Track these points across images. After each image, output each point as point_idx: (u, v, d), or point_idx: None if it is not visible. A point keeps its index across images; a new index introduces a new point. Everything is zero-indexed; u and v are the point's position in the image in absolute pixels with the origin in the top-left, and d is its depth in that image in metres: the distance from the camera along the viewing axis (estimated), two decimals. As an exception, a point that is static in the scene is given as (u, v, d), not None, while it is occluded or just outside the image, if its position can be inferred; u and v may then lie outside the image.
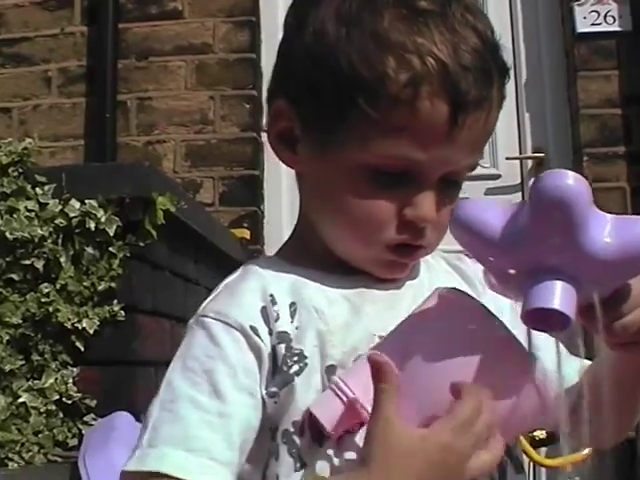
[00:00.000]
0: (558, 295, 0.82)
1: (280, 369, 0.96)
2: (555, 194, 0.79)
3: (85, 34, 4.12)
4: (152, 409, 0.96)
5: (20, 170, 2.55)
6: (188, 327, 1.02)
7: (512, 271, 0.87)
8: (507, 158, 3.98)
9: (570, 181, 0.79)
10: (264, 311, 0.99)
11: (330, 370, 0.96)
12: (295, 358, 0.96)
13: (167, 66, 4.07)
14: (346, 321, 0.99)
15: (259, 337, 0.97)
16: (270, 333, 0.98)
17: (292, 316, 0.99)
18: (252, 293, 1.01)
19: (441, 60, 0.92)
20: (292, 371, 0.96)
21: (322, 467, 0.94)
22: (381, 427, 0.87)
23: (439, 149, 0.95)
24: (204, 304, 1.04)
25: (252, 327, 0.97)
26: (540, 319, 0.84)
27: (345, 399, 0.90)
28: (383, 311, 1.01)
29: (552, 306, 0.82)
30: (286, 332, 0.98)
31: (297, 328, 0.98)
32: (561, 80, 4.03)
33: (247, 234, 3.81)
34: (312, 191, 1.05)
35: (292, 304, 1.00)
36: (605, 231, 0.81)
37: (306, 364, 0.96)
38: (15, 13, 4.16)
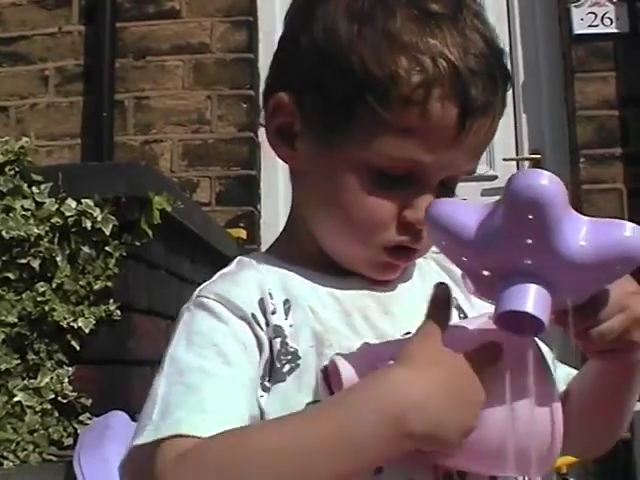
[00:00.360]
0: (531, 298, 0.80)
1: (274, 365, 0.95)
2: (528, 194, 0.77)
3: (83, 33, 4.12)
4: (157, 387, 0.92)
5: (16, 169, 2.55)
6: (183, 310, 0.99)
7: (486, 273, 0.84)
8: (504, 159, 3.98)
9: (544, 181, 0.77)
10: (262, 303, 0.97)
11: None
12: (289, 357, 0.95)
13: (164, 65, 4.07)
14: (339, 326, 0.98)
15: (260, 327, 0.96)
16: (267, 325, 0.96)
17: (287, 313, 0.98)
18: (250, 283, 0.99)
19: (452, 63, 0.92)
20: (285, 370, 0.95)
21: None
22: (422, 338, 0.86)
23: (444, 152, 0.94)
24: (201, 287, 1.02)
25: (253, 315, 0.96)
26: (513, 322, 0.81)
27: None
28: (377, 317, 1.00)
29: (524, 309, 0.79)
30: (281, 327, 0.96)
31: (291, 326, 0.97)
32: (558, 81, 4.04)
33: (243, 234, 3.81)
34: (309, 188, 1.03)
35: (286, 301, 0.99)
36: (580, 234, 0.79)
37: (298, 365, 0.95)
38: (13, 12, 4.16)
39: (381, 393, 0.83)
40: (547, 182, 0.77)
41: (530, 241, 0.79)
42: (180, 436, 0.85)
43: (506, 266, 0.81)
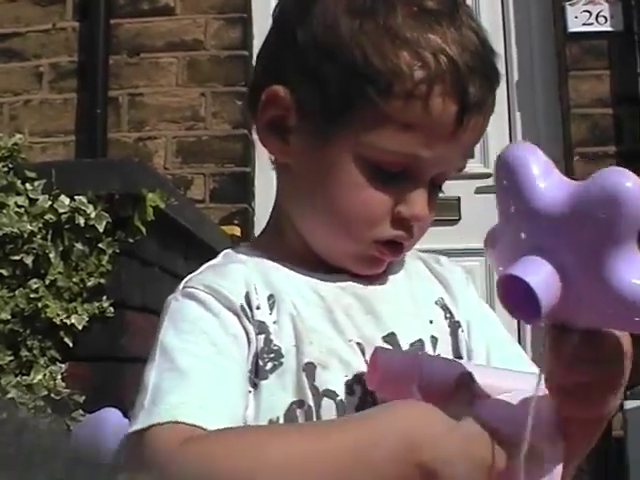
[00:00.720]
0: (542, 277, 0.74)
1: (258, 362, 0.95)
2: (609, 191, 0.71)
3: (77, 30, 4.11)
4: (148, 376, 0.91)
5: (10, 165, 2.55)
6: (170, 300, 0.99)
7: (523, 235, 0.78)
8: (498, 157, 3.98)
9: (629, 184, 0.71)
10: (247, 297, 0.97)
11: (309, 367, 0.94)
12: (272, 355, 0.95)
13: (158, 62, 4.06)
14: (321, 324, 0.98)
15: (248, 320, 0.96)
16: (253, 319, 0.96)
17: (271, 308, 0.97)
18: (238, 277, 0.99)
19: (453, 59, 0.93)
20: (267, 368, 0.94)
21: None
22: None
23: (441, 148, 0.95)
24: (187, 278, 1.01)
25: (242, 307, 0.96)
26: (513, 295, 0.75)
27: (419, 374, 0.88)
28: (360, 318, 1.00)
29: (527, 280, 0.73)
30: (265, 323, 0.96)
31: (275, 323, 0.96)
32: (552, 79, 4.04)
33: (237, 231, 3.80)
34: (299, 183, 1.03)
35: (270, 296, 0.98)
36: (637, 272, 0.72)
37: (281, 363, 0.94)
38: (6, 8, 4.14)
39: (405, 417, 0.82)
40: (632, 185, 0.71)
41: (586, 234, 0.73)
42: (178, 423, 0.84)
43: (547, 243, 0.76)
